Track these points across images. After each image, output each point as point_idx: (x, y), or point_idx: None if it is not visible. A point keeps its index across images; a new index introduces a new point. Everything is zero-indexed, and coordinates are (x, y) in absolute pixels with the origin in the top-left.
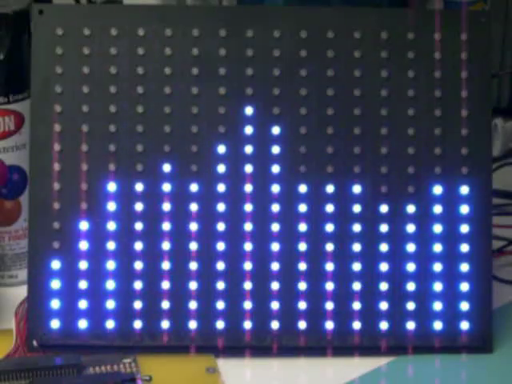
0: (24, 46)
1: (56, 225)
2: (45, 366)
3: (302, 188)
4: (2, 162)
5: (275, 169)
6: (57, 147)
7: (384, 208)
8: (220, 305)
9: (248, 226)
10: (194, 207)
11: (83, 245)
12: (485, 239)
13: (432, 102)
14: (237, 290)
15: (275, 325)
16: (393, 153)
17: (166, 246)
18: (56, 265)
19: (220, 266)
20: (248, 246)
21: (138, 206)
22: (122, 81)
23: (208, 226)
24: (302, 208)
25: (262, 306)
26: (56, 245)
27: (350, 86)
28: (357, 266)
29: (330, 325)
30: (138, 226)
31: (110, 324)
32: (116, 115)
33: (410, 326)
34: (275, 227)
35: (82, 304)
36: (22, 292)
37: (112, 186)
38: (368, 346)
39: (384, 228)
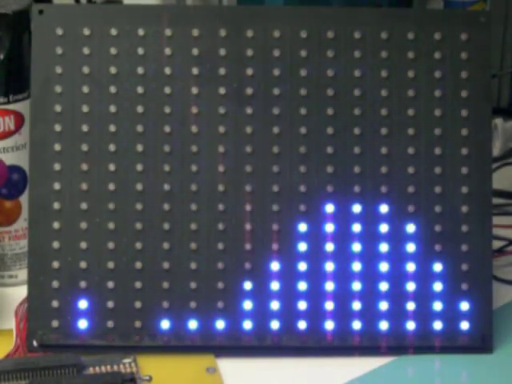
0: (24, 46)
1: (56, 225)
2: (45, 365)
3: (302, 188)
4: (2, 162)
5: (275, 168)
6: (57, 147)
7: (384, 208)
8: (220, 305)
9: (248, 226)
10: (193, 206)
11: (83, 244)
12: (485, 239)
13: (432, 102)
14: (237, 289)
15: (275, 325)
16: (393, 153)
17: (165, 245)
18: (56, 265)
19: (220, 265)
20: (248, 246)
21: (138, 206)
22: (121, 81)
23: (208, 225)
24: (302, 208)
25: (262, 306)
26: (56, 245)
27: (350, 86)
28: (357, 266)
29: (329, 325)
30: (138, 225)
31: (110, 324)
32: (116, 115)
33: (410, 325)
34: (275, 227)
35: (82, 304)
36: (22, 292)
37: (111, 186)
38: (368, 346)
39: (384, 228)
